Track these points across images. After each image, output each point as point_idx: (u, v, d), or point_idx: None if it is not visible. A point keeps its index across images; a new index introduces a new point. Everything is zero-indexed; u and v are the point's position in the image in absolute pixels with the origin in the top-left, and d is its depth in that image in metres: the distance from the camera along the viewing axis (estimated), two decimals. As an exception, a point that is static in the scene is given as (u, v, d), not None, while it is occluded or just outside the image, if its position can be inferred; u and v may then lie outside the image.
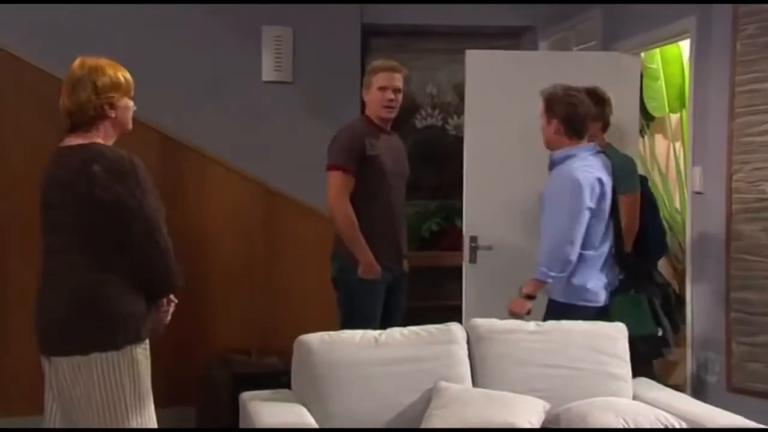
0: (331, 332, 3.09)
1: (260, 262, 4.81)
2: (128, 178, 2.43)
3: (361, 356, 2.98)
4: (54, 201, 2.50)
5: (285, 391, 3.10)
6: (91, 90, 2.49)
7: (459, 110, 5.59)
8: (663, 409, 2.96)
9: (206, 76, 4.96)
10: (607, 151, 3.91)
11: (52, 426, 2.57)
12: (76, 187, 2.44)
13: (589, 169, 3.43)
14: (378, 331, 3.09)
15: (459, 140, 4.71)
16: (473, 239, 4.51)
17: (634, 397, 3.18)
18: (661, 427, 2.83)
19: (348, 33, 5.31)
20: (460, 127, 5.36)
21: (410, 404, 2.96)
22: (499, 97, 4.47)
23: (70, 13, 4.74)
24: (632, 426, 2.80)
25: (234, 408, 3.21)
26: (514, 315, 3.44)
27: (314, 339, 3.00)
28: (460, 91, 4.70)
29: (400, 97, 3.88)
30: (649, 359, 3.75)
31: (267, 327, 4.69)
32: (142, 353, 2.52)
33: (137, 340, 2.49)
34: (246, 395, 3.09)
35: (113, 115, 2.54)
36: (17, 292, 4.23)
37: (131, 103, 2.60)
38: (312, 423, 2.80)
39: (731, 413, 2.98)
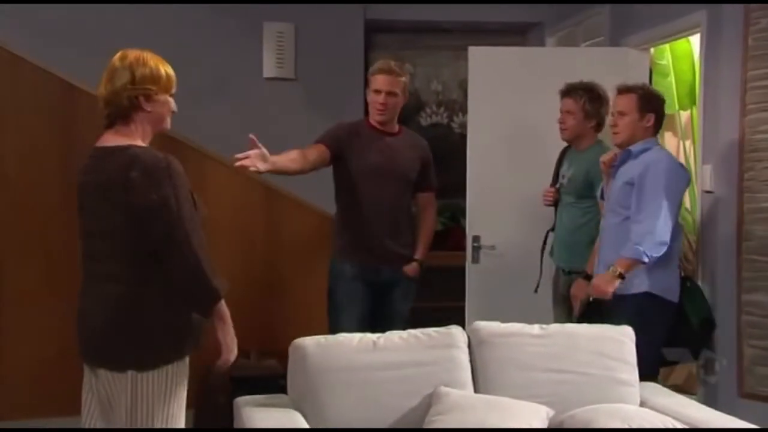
0: (327, 336, 3.03)
1: (260, 261, 4.73)
2: (164, 184, 2.31)
3: (358, 361, 2.90)
4: (90, 206, 2.43)
5: (281, 395, 3.02)
6: (129, 79, 2.39)
7: (464, 108, 5.49)
8: (671, 416, 2.87)
9: (207, 73, 4.90)
10: (592, 148, 3.94)
11: (89, 425, 2.51)
12: (112, 194, 2.34)
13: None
14: (376, 335, 3.01)
15: (464, 138, 4.64)
16: (476, 239, 4.45)
17: (642, 403, 3.09)
18: (669, 435, 2.73)
19: (351, 29, 5.26)
20: (465, 125, 5.28)
21: (409, 410, 2.88)
22: (504, 94, 4.39)
23: (69, 11, 4.72)
24: (639, 434, 2.72)
25: (229, 412, 3.13)
26: (600, 292, 3.42)
27: (310, 343, 2.92)
28: (465, 89, 4.63)
29: (395, 100, 3.77)
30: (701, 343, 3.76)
31: (266, 328, 4.60)
32: (181, 370, 2.41)
33: (177, 357, 2.39)
34: (240, 400, 3.01)
35: (149, 109, 2.42)
36: (13, 293, 4.16)
37: (171, 102, 2.48)
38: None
39: (742, 420, 2.89)
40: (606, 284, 3.41)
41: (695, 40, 4.99)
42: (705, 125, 4.02)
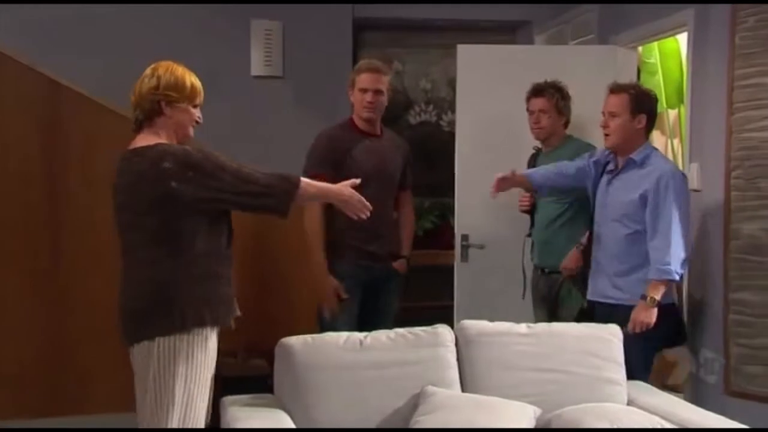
0: (314, 335, 3.01)
1: (249, 260, 4.69)
2: (200, 165, 2.49)
3: (345, 360, 2.90)
4: (124, 203, 2.58)
5: (267, 395, 3.00)
6: (154, 85, 2.58)
7: (453, 106, 5.45)
8: (658, 415, 2.87)
9: (194, 70, 4.74)
10: (568, 143, 3.95)
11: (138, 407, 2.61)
12: (145, 187, 2.50)
13: None
14: (363, 334, 3.01)
15: (453, 136, 4.62)
16: (465, 237, 4.43)
17: (629, 402, 3.09)
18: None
19: (339, 27, 5.23)
20: (454, 123, 5.26)
21: (396, 410, 2.88)
22: (492, 92, 4.37)
23: (54, 8, 4.67)
24: (626, 433, 2.71)
25: (215, 411, 3.11)
26: (645, 326, 3.32)
27: (296, 342, 2.92)
28: (454, 87, 4.61)
29: (383, 98, 3.78)
30: None
31: (254, 328, 4.57)
32: (202, 341, 2.53)
33: (200, 324, 2.52)
34: (226, 400, 3.00)
35: (169, 114, 2.59)
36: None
37: (195, 112, 2.65)
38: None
39: (728, 419, 2.89)
40: (648, 316, 3.32)
41: (683, 39, 5.00)
42: (692, 124, 4.02)
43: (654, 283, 3.33)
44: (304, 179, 2.66)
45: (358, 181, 2.80)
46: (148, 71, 2.62)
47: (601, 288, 3.55)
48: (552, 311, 3.91)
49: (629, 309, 3.38)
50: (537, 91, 3.98)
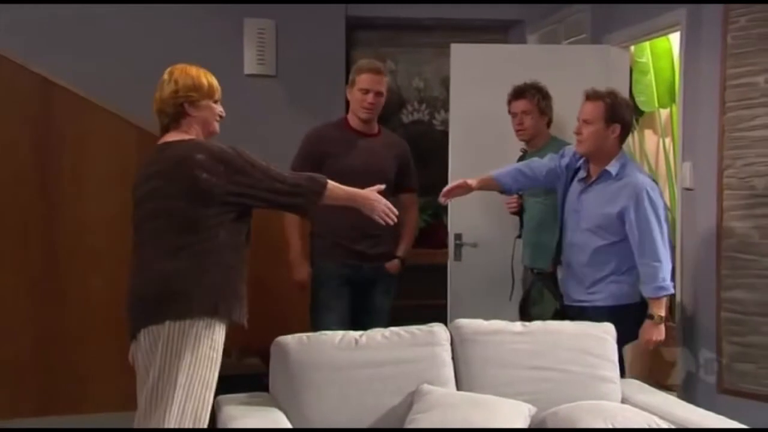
0: (309, 334, 3.01)
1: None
2: (232, 161, 2.59)
3: (340, 359, 2.90)
4: (152, 190, 2.63)
5: (263, 394, 3.00)
6: (173, 89, 2.68)
7: (446, 105, 5.48)
8: (652, 413, 2.88)
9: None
10: (553, 143, 3.93)
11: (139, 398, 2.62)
12: (178, 175, 2.58)
13: None
14: (358, 333, 3.00)
15: (446, 135, 4.63)
16: (458, 236, 4.43)
17: (623, 400, 3.10)
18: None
19: (332, 26, 5.23)
20: (447, 122, 5.27)
21: (391, 408, 2.88)
22: (486, 92, 4.37)
23: (48, 8, 4.66)
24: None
25: (211, 411, 3.11)
26: (656, 343, 3.36)
27: (292, 341, 2.92)
28: (447, 86, 4.62)
29: (382, 100, 3.81)
30: None
31: (248, 326, 4.57)
32: (210, 333, 2.56)
33: (211, 313, 2.55)
34: (222, 399, 2.98)
35: (194, 114, 2.69)
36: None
37: (216, 107, 2.74)
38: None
39: (723, 417, 2.90)
40: (659, 334, 3.33)
41: (675, 39, 5.02)
42: (685, 123, 4.04)
43: (656, 301, 3.33)
44: (330, 182, 2.77)
45: (383, 186, 2.90)
46: (165, 77, 2.72)
47: (574, 293, 3.52)
48: (524, 310, 3.87)
49: (600, 309, 3.36)
50: (518, 92, 3.97)
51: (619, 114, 3.42)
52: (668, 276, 3.33)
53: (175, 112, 2.68)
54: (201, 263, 2.57)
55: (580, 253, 3.48)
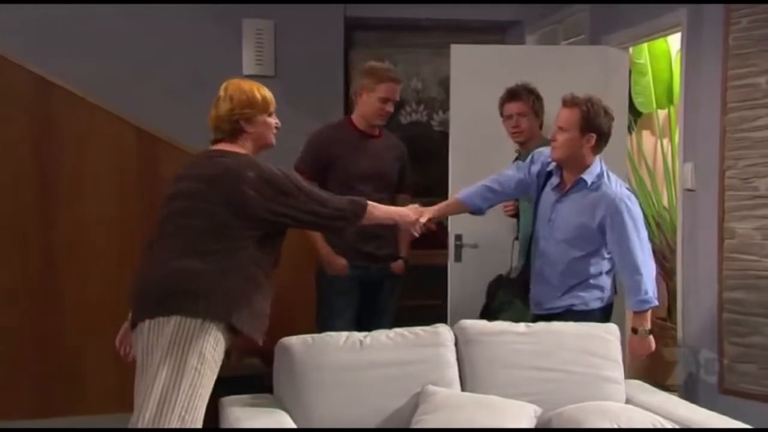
0: (314, 335, 3.00)
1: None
2: (280, 183, 2.64)
3: (345, 360, 2.89)
4: (194, 191, 2.63)
5: (267, 395, 2.99)
6: (229, 106, 2.70)
7: (444, 106, 5.50)
8: (656, 413, 2.89)
9: (186, 69, 4.85)
10: (544, 145, 3.75)
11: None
12: (225, 183, 2.59)
13: None
14: (363, 334, 3.00)
15: (444, 136, 4.62)
16: (458, 237, 4.43)
17: (627, 401, 3.10)
18: (656, 432, 2.74)
19: (331, 27, 5.22)
20: (445, 123, 5.27)
21: (397, 409, 2.87)
22: (485, 92, 4.35)
23: (46, 8, 4.64)
24: None
25: (215, 412, 3.09)
26: (647, 355, 3.29)
27: (296, 342, 2.91)
28: (445, 86, 4.61)
29: (393, 107, 3.86)
30: None
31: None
32: (215, 340, 2.54)
33: (222, 318, 2.55)
34: (226, 400, 2.98)
35: (250, 130, 2.72)
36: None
37: (271, 120, 2.77)
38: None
39: (726, 417, 2.90)
40: (648, 347, 3.24)
41: (672, 40, 5.04)
42: (686, 123, 4.05)
43: (641, 314, 3.22)
44: (370, 203, 2.85)
45: (422, 209, 3.18)
46: (220, 93, 2.74)
47: (545, 300, 3.39)
48: (485, 312, 3.77)
49: (575, 313, 3.29)
50: (512, 94, 3.94)
51: (596, 123, 3.24)
52: (651, 288, 3.21)
53: (232, 129, 2.71)
54: (223, 270, 2.57)
55: (555, 264, 3.34)
